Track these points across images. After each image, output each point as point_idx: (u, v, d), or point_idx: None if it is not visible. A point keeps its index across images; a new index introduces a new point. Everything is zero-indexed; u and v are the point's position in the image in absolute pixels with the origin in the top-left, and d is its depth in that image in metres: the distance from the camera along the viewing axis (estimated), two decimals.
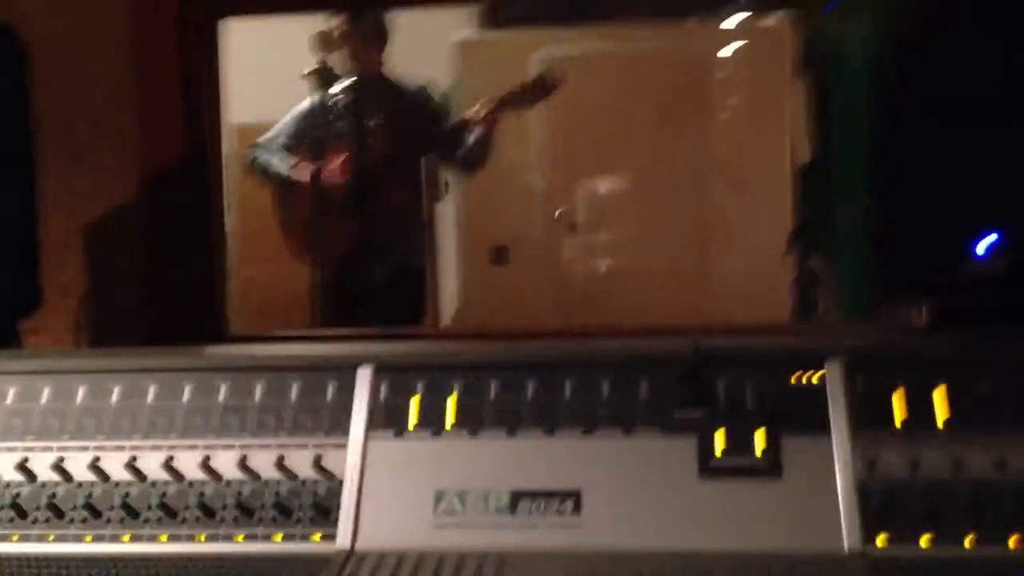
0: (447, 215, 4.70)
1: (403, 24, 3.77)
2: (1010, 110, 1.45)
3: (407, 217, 3.64)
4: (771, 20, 4.66)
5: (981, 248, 1.46)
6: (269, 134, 3.65)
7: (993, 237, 1.45)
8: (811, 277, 4.24)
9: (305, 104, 3.54)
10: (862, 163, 1.53)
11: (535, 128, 4.53)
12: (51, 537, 1.33)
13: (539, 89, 3.63)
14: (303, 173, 3.50)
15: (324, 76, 3.43)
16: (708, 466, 1.32)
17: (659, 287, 4.47)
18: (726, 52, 4.67)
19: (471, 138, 3.58)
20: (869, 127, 1.53)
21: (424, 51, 4.26)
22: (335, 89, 3.50)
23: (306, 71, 3.41)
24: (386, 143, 3.51)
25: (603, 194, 4.66)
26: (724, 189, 4.61)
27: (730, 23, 4.72)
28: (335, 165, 3.45)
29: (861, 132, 1.54)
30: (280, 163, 3.58)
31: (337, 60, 3.47)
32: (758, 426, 1.33)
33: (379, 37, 3.57)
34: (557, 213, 4.63)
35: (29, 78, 1.78)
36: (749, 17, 4.67)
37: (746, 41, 4.67)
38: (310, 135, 3.48)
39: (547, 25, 4.60)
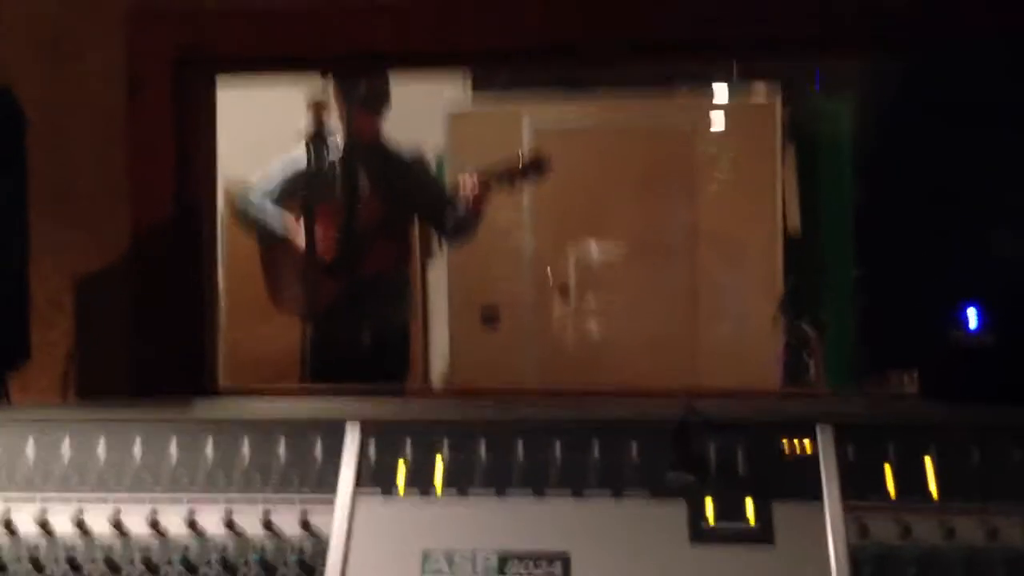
0: (439, 277, 4.73)
1: (396, 93, 3.82)
2: (995, 185, 1.48)
3: (396, 279, 3.65)
4: (759, 94, 4.75)
5: (971, 320, 1.47)
6: (260, 183, 3.64)
7: (974, 313, 1.47)
8: (801, 344, 4.26)
9: (299, 159, 3.55)
10: (850, 234, 1.55)
11: (527, 195, 4.58)
12: None
13: (531, 169, 3.67)
14: (296, 235, 3.51)
15: (319, 138, 3.46)
16: (700, 531, 1.31)
17: (648, 353, 4.48)
18: (716, 125, 4.75)
19: (461, 209, 3.60)
20: (855, 199, 1.56)
21: (416, 121, 4.32)
22: (329, 152, 3.53)
23: (301, 133, 3.44)
24: (377, 208, 3.53)
25: (594, 260, 4.69)
26: (713, 258, 4.65)
27: (719, 97, 4.81)
28: (325, 237, 3.45)
29: (848, 204, 1.56)
30: (273, 218, 3.58)
31: (332, 123, 3.51)
32: (749, 492, 1.33)
33: (375, 103, 3.60)
34: (550, 277, 4.66)
35: (25, 133, 1.79)
36: (737, 92, 4.76)
37: (735, 114, 4.76)
38: (301, 194, 3.50)
39: (536, 94, 4.68)
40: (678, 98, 4.75)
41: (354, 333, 3.39)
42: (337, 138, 3.52)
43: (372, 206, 3.50)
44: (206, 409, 1.51)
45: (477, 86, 4.82)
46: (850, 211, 1.56)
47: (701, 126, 4.72)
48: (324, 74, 3.07)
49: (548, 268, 4.63)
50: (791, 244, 4.62)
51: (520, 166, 3.65)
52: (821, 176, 4.64)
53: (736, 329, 4.59)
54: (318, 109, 3.51)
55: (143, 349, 1.98)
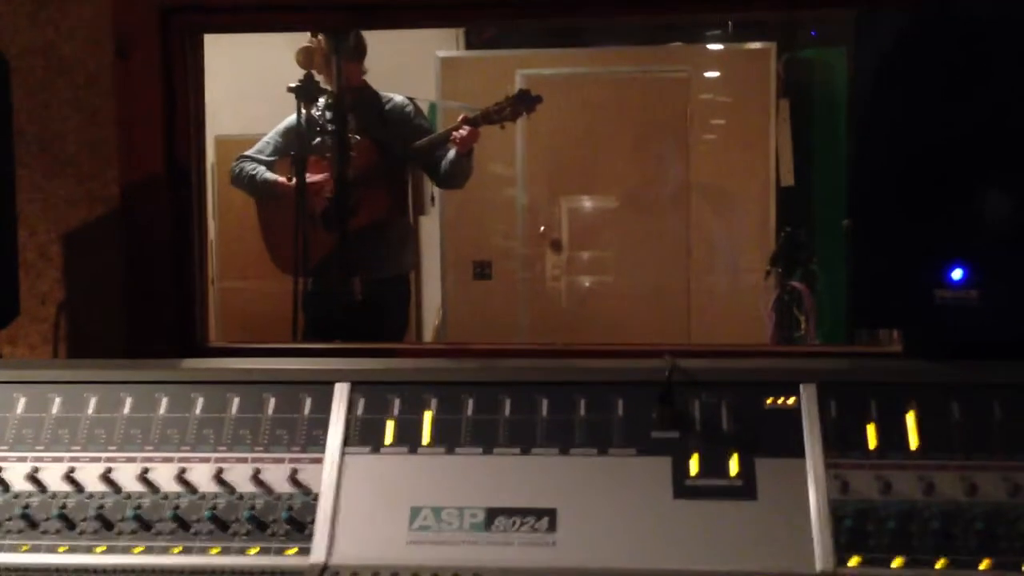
0: (431, 233, 4.72)
1: (389, 40, 3.79)
2: (986, 140, 1.48)
3: (390, 230, 3.64)
4: (755, 45, 4.71)
5: (955, 275, 1.48)
6: (255, 147, 3.66)
7: (960, 270, 1.47)
8: (792, 298, 4.27)
9: (291, 118, 3.54)
10: (843, 186, 1.55)
11: (519, 146, 4.56)
12: (25, 547, 1.32)
13: (520, 103, 3.65)
14: (288, 186, 3.51)
15: (308, 90, 3.43)
16: (683, 486, 1.33)
17: (640, 304, 4.50)
18: (710, 74, 4.72)
19: (452, 152, 3.60)
20: (848, 151, 1.55)
21: (408, 66, 4.29)
22: (319, 102, 3.51)
23: (290, 85, 3.41)
24: (369, 155, 3.52)
25: (586, 214, 4.68)
26: (706, 209, 4.65)
27: (714, 46, 4.77)
28: (318, 180, 3.45)
29: (842, 156, 1.56)
30: (265, 175, 3.59)
31: (320, 74, 3.48)
32: (733, 448, 1.35)
33: (358, 50, 3.58)
34: (541, 229, 4.65)
35: (9, 89, 1.78)
36: (733, 42, 4.72)
37: (729, 64, 4.72)
38: (295, 148, 3.48)
39: (532, 47, 4.65)
40: (673, 48, 4.71)
41: (348, 287, 3.39)
42: (326, 87, 3.49)
43: (364, 154, 3.49)
44: (196, 368, 1.52)
45: (471, 42, 4.79)
46: (844, 163, 1.55)
47: (695, 75, 4.69)
48: (312, 27, 3.04)
49: (542, 223, 4.63)
50: (784, 196, 4.62)
51: (508, 102, 3.64)
52: (815, 128, 4.62)
53: (728, 282, 4.61)
54: (306, 58, 3.48)
55: (132, 306, 1.99)
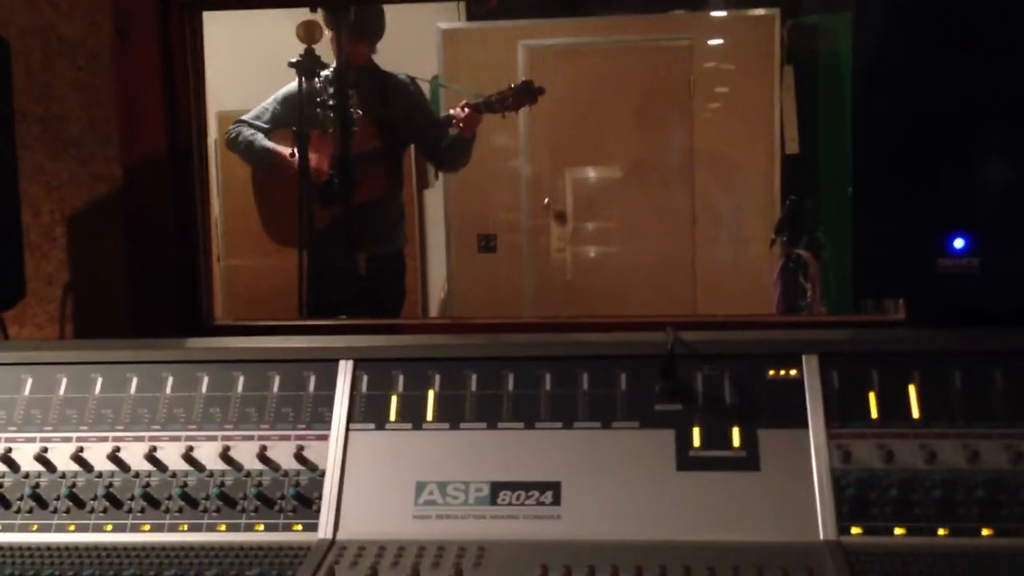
0: (435, 206, 4.72)
1: (390, 13, 3.77)
2: (987, 108, 1.47)
3: (385, 208, 3.64)
4: (759, 11, 4.67)
5: (957, 244, 1.47)
6: (253, 112, 3.64)
7: (961, 239, 1.47)
8: (797, 267, 4.26)
9: (293, 86, 3.53)
10: (848, 153, 1.55)
11: (523, 118, 4.54)
12: (34, 527, 1.34)
13: (523, 94, 3.64)
14: (286, 163, 3.51)
15: (309, 65, 3.42)
16: (686, 458, 1.34)
17: (646, 274, 4.49)
18: (714, 41, 4.68)
19: (452, 135, 3.59)
20: (852, 118, 1.55)
21: (409, 39, 4.26)
22: (322, 76, 3.50)
23: (291, 60, 3.40)
24: (369, 134, 3.51)
25: (590, 183, 4.67)
26: (710, 178, 4.63)
27: (717, 13, 4.72)
28: (317, 164, 3.44)
29: (847, 122, 1.55)
30: (264, 142, 3.58)
31: (323, 49, 3.46)
32: (736, 419, 1.35)
33: (368, 29, 3.57)
34: (546, 201, 4.64)
35: (10, 70, 1.78)
36: (736, 9, 4.68)
37: (733, 31, 4.68)
38: (294, 120, 3.47)
39: (533, 17, 4.62)
40: (675, 16, 4.67)
41: (346, 261, 3.40)
42: (329, 63, 3.48)
43: (364, 132, 3.48)
44: (201, 347, 1.53)
45: (472, 14, 4.76)
46: (849, 130, 1.54)
47: (698, 43, 4.65)
48: (310, 3, 3.03)
49: (546, 195, 4.61)
50: (789, 164, 4.59)
51: (511, 92, 3.63)
52: (820, 94, 4.59)
53: (733, 251, 4.60)
54: (307, 33, 3.46)
55: (137, 285, 2.00)
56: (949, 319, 1.50)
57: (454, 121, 3.57)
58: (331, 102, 3.39)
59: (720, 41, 4.68)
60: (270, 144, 3.57)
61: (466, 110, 3.56)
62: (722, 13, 4.70)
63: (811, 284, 4.22)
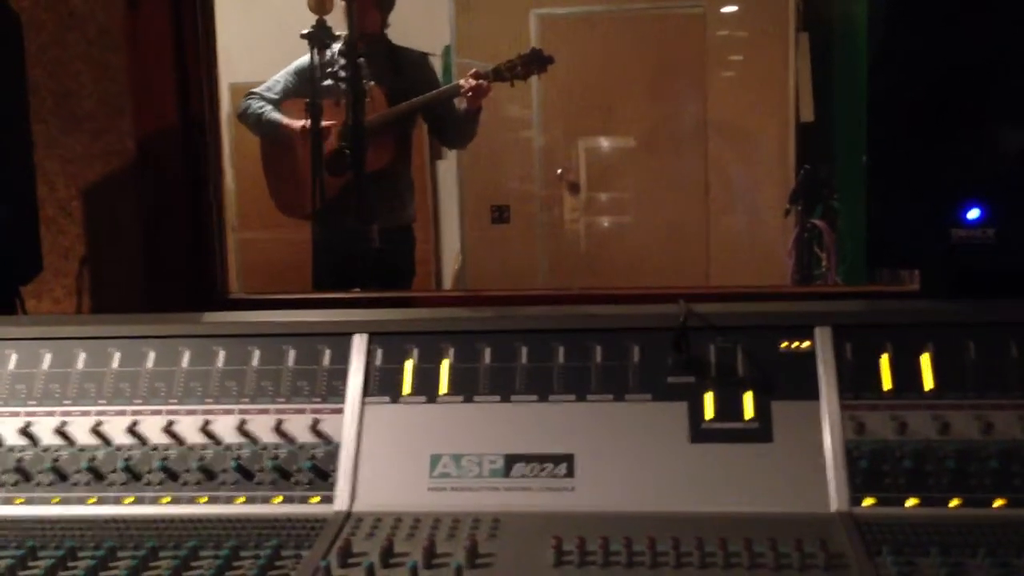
0: (449, 177, 4.71)
1: None
2: (1000, 77, 1.46)
3: (393, 180, 3.64)
4: None
5: (971, 215, 1.47)
6: (266, 84, 3.65)
7: (976, 209, 1.46)
8: (813, 235, 4.25)
9: (306, 58, 3.53)
10: (864, 121, 1.54)
11: (535, 87, 4.52)
12: (55, 499, 1.35)
13: (532, 62, 3.62)
14: (295, 133, 3.51)
15: (321, 36, 3.41)
16: (699, 430, 1.34)
17: (659, 244, 4.49)
18: (727, 10, 4.64)
19: (459, 111, 3.58)
20: (868, 87, 1.54)
21: (422, 8, 4.24)
22: (334, 47, 3.49)
23: (303, 32, 3.39)
24: (379, 105, 3.50)
25: (603, 153, 4.66)
26: (724, 147, 4.61)
27: None
28: (327, 125, 3.43)
29: (863, 90, 1.54)
30: (272, 114, 3.58)
31: (335, 20, 3.45)
32: (748, 391, 1.36)
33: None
34: (559, 171, 4.63)
35: (23, 45, 1.78)
36: None
37: None
38: (306, 91, 3.47)
39: None
40: None
41: (355, 233, 3.40)
42: (340, 33, 3.47)
43: (374, 103, 3.47)
44: (217, 321, 1.53)
45: None
46: (864, 98, 1.53)
47: (712, 11, 4.61)
48: None
49: (559, 165, 4.60)
50: (804, 132, 4.56)
51: (519, 60, 3.61)
52: (835, 62, 4.55)
53: (748, 220, 4.58)
54: (317, 4, 3.45)
55: (152, 258, 2.01)
56: (963, 289, 1.50)
57: (462, 91, 3.56)
58: (342, 73, 3.37)
59: (734, 8, 4.65)
60: (277, 116, 3.58)
61: (475, 80, 3.54)
62: None
63: (826, 254, 4.21)
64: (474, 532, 1.24)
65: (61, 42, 2.00)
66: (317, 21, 3.41)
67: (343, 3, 3.40)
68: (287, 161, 3.54)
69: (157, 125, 2.00)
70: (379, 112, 3.47)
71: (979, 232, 1.47)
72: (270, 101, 3.62)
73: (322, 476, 1.35)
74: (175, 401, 1.41)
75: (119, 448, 1.39)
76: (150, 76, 1.99)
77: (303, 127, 3.43)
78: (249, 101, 3.65)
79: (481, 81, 3.55)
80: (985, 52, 1.45)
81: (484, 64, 3.63)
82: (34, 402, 1.43)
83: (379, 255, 3.25)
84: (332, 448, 1.36)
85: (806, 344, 1.38)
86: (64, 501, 1.35)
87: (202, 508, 1.33)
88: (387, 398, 1.39)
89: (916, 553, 1.17)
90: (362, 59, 3.20)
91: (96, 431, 1.39)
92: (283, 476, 1.35)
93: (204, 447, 1.38)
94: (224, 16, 2.12)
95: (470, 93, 3.54)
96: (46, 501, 1.35)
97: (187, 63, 2.00)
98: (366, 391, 1.39)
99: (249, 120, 3.65)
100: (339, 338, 1.44)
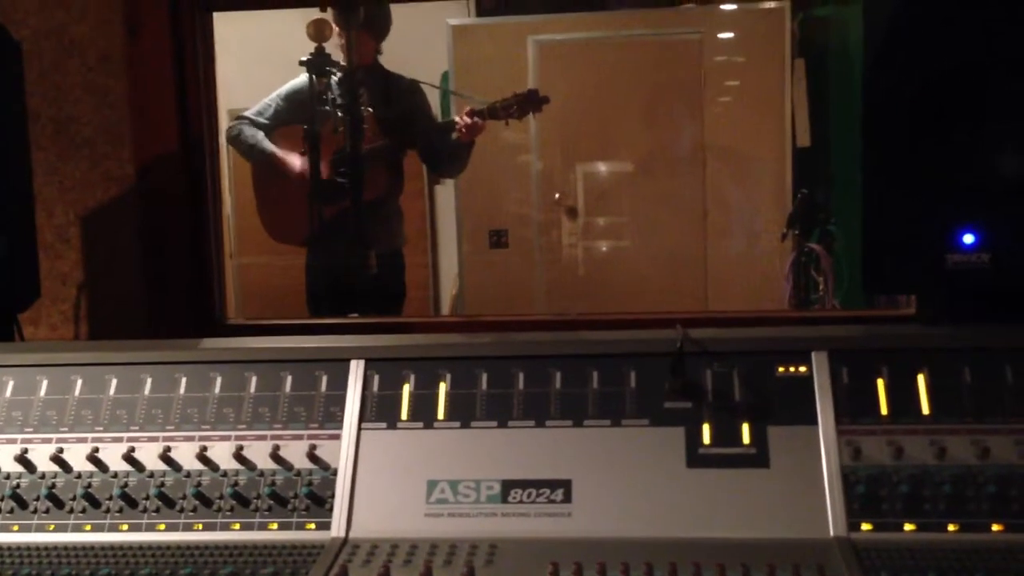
0: (447, 202, 4.72)
1: (400, 9, 3.77)
2: (996, 99, 1.46)
3: (385, 208, 3.64)
4: (769, 4, 4.66)
5: (967, 239, 1.47)
6: (256, 108, 3.64)
7: (971, 235, 1.47)
8: (810, 259, 4.25)
9: (297, 83, 3.53)
10: (859, 147, 1.54)
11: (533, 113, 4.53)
12: (51, 527, 1.35)
13: (528, 103, 3.63)
14: (286, 161, 3.51)
15: (319, 63, 3.42)
16: (696, 455, 1.34)
17: (657, 268, 4.50)
18: (724, 36, 4.67)
19: (453, 140, 3.59)
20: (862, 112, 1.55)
21: (420, 35, 4.26)
22: (327, 76, 3.49)
23: (302, 59, 3.41)
24: (374, 132, 3.51)
25: (601, 178, 4.67)
26: (722, 172, 4.62)
27: (728, 7, 4.71)
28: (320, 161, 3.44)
29: (859, 114, 1.55)
30: (264, 143, 3.58)
31: (332, 48, 3.47)
32: (745, 416, 1.36)
33: (376, 27, 3.57)
34: (557, 196, 4.65)
35: (23, 72, 1.79)
36: (747, 2, 4.67)
37: (744, 23, 4.67)
38: (297, 116, 3.47)
39: (543, 12, 4.62)
40: (685, 10, 4.67)
41: (351, 259, 3.40)
42: (337, 61, 3.48)
43: (368, 132, 3.48)
44: (214, 348, 1.54)
45: (482, 9, 4.77)
46: (861, 122, 1.54)
47: (709, 36, 4.64)
48: (319, 2, 3.03)
49: (557, 190, 4.61)
50: (801, 157, 4.58)
51: (515, 100, 3.62)
52: (832, 87, 4.58)
53: (745, 244, 4.59)
54: (316, 31, 3.46)
55: (150, 284, 2.01)
56: (959, 314, 1.50)
57: (457, 127, 3.57)
58: (339, 101, 3.38)
59: (731, 35, 4.67)
60: (271, 148, 3.56)
61: (469, 119, 3.55)
62: (732, 6, 4.69)
63: (823, 278, 4.21)
64: (471, 558, 1.24)
65: (61, 69, 2.01)
66: (316, 49, 3.43)
67: (341, 31, 3.43)
68: (277, 188, 3.54)
69: (157, 151, 2.01)
70: (372, 143, 3.47)
71: (975, 257, 1.47)
72: (261, 127, 3.60)
73: (319, 502, 1.34)
74: (172, 428, 1.41)
75: (115, 475, 1.38)
76: (150, 103, 2.00)
77: (299, 168, 3.43)
78: (241, 127, 3.62)
79: (476, 119, 3.55)
80: (980, 76, 1.46)
81: (481, 100, 3.64)
82: (31, 429, 1.43)
83: (375, 280, 3.26)
84: (329, 474, 1.36)
85: (803, 369, 1.38)
86: (60, 528, 1.35)
87: (198, 535, 1.33)
88: (384, 424, 1.39)
89: None
90: (357, 89, 3.23)
91: (93, 458, 1.39)
92: (279, 502, 1.35)
93: (201, 474, 1.38)
94: (223, 43, 2.13)
95: (464, 130, 3.55)
96: (43, 528, 1.35)
97: (187, 90, 2.01)
98: (363, 417, 1.39)
99: (241, 147, 3.64)
100: (336, 364, 1.44)
